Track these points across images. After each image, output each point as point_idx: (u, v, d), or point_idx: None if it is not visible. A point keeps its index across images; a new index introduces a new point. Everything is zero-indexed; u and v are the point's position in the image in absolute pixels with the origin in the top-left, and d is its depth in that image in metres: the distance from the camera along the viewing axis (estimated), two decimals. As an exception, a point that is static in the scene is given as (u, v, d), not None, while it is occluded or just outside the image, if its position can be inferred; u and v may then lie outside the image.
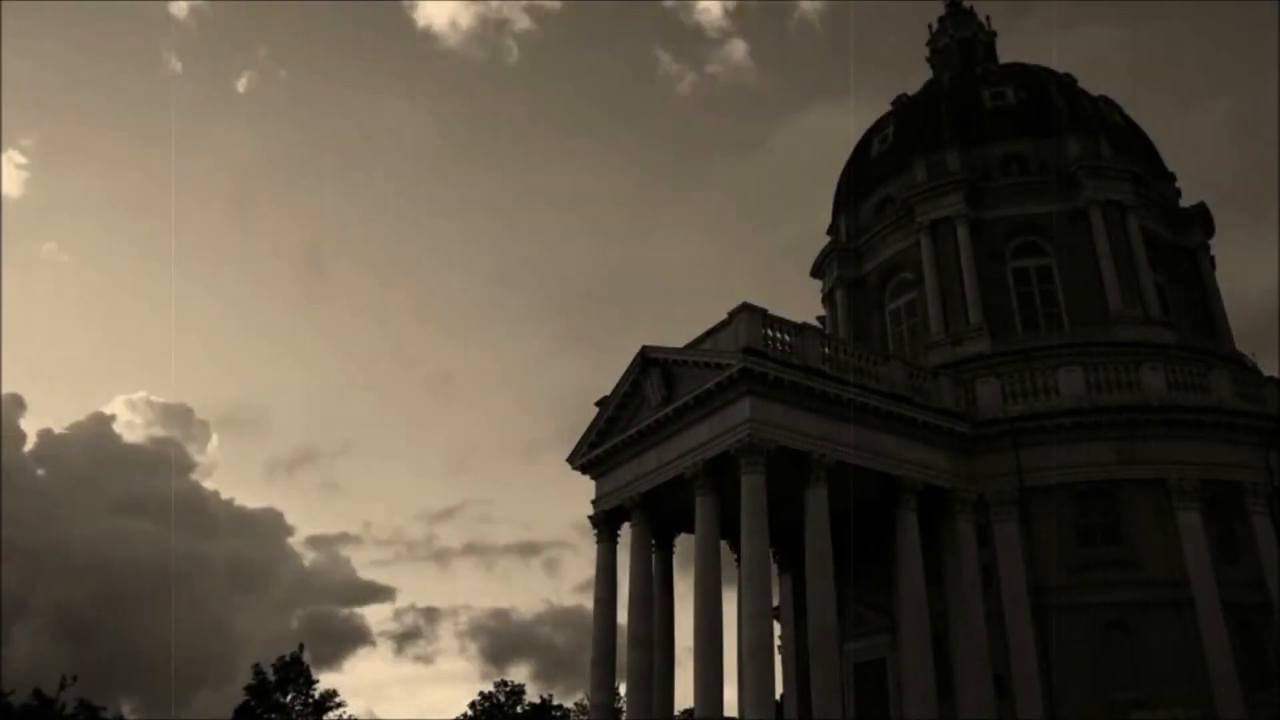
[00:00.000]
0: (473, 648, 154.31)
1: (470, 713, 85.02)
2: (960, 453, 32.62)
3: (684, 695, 53.34)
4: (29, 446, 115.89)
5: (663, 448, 31.76)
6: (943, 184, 41.79)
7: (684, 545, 34.78)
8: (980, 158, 43.01)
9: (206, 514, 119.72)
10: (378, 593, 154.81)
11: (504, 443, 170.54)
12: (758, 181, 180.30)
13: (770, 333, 29.54)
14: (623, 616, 32.92)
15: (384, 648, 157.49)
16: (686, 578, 30.66)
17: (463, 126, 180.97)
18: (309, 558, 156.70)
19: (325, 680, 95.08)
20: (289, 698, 72.30)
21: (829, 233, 49.20)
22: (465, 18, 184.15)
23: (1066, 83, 46.48)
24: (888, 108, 50.28)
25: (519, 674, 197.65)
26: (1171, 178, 46.79)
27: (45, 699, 67.37)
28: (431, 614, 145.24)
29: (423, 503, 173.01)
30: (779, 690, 33.82)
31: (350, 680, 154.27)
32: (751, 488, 27.90)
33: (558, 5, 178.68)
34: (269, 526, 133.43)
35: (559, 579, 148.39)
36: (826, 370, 29.89)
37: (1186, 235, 44.17)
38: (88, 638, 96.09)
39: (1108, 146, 42.66)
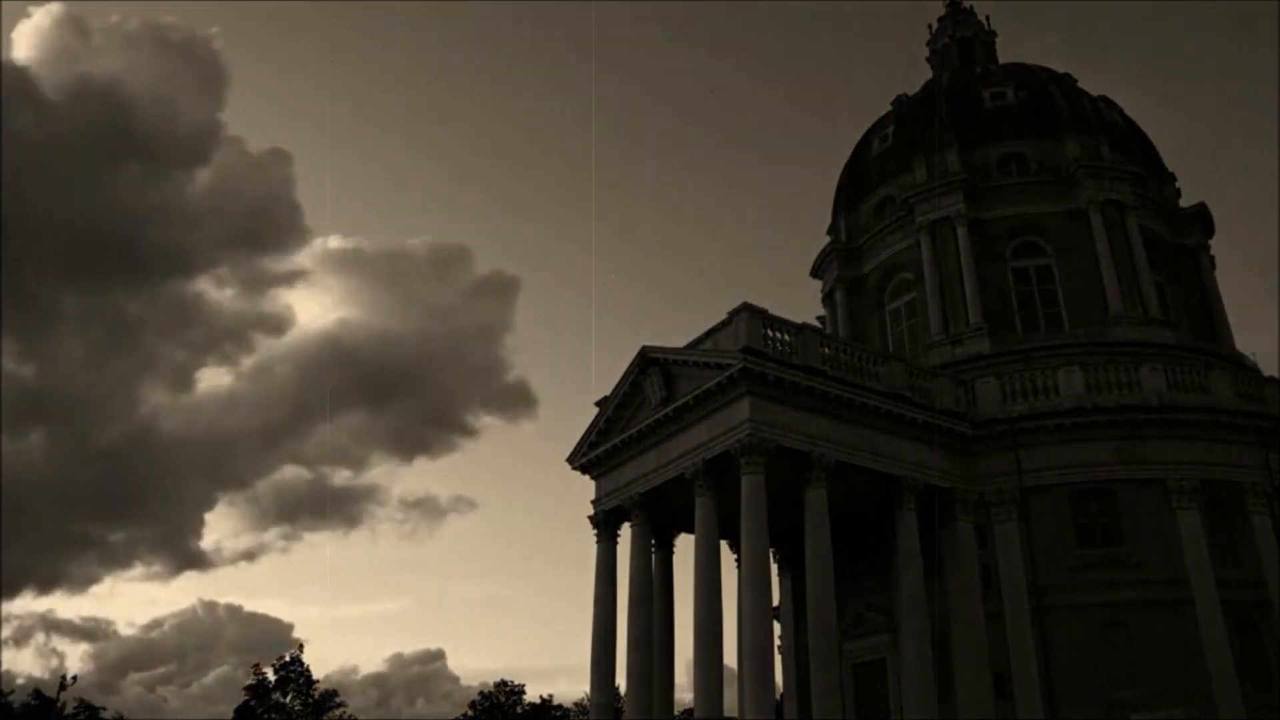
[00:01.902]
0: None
1: (470, 712, 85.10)
2: (960, 453, 32.61)
3: (684, 695, 53.38)
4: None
5: (663, 448, 31.75)
6: (942, 184, 41.76)
7: (684, 545, 34.77)
8: (980, 158, 42.99)
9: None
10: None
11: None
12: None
13: (770, 333, 29.53)
14: (623, 616, 32.92)
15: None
16: (686, 578, 30.62)
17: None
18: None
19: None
20: (289, 698, 72.36)
21: (829, 233, 49.17)
22: None
23: (1066, 83, 46.45)
24: (887, 108, 50.28)
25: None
26: (1171, 178, 46.76)
27: (45, 699, 67.50)
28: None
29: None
30: (779, 690, 33.82)
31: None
32: (751, 488, 27.88)
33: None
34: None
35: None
36: (826, 370, 29.88)
37: (1186, 235, 44.16)
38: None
39: (1107, 146, 42.64)
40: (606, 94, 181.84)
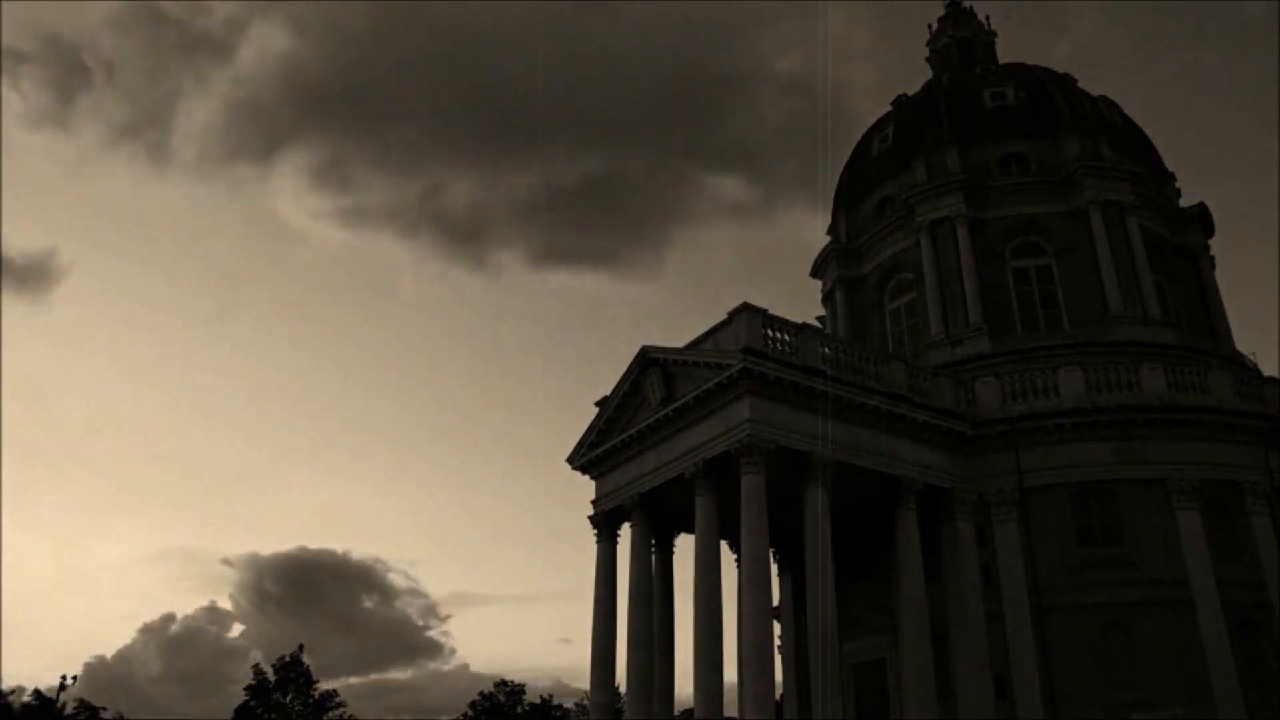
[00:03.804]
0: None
1: (470, 712, 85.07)
2: (960, 453, 32.59)
3: (684, 695, 53.37)
4: None
5: (662, 448, 31.74)
6: (942, 184, 41.77)
7: (684, 545, 34.76)
8: (980, 158, 42.98)
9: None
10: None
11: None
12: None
13: (770, 333, 29.51)
14: (623, 616, 32.92)
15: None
16: (686, 578, 30.62)
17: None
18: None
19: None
20: (289, 698, 72.27)
21: (829, 233, 49.17)
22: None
23: (1066, 83, 46.44)
24: (887, 108, 50.27)
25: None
26: (1171, 178, 46.76)
27: (45, 699, 67.41)
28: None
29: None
30: (779, 690, 33.80)
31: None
32: (751, 488, 27.86)
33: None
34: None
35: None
36: (826, 370, 29.86)
37: (1186, 235, 44.16)
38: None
39: (1108, 146, 42.64)
40: (590, 85, 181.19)
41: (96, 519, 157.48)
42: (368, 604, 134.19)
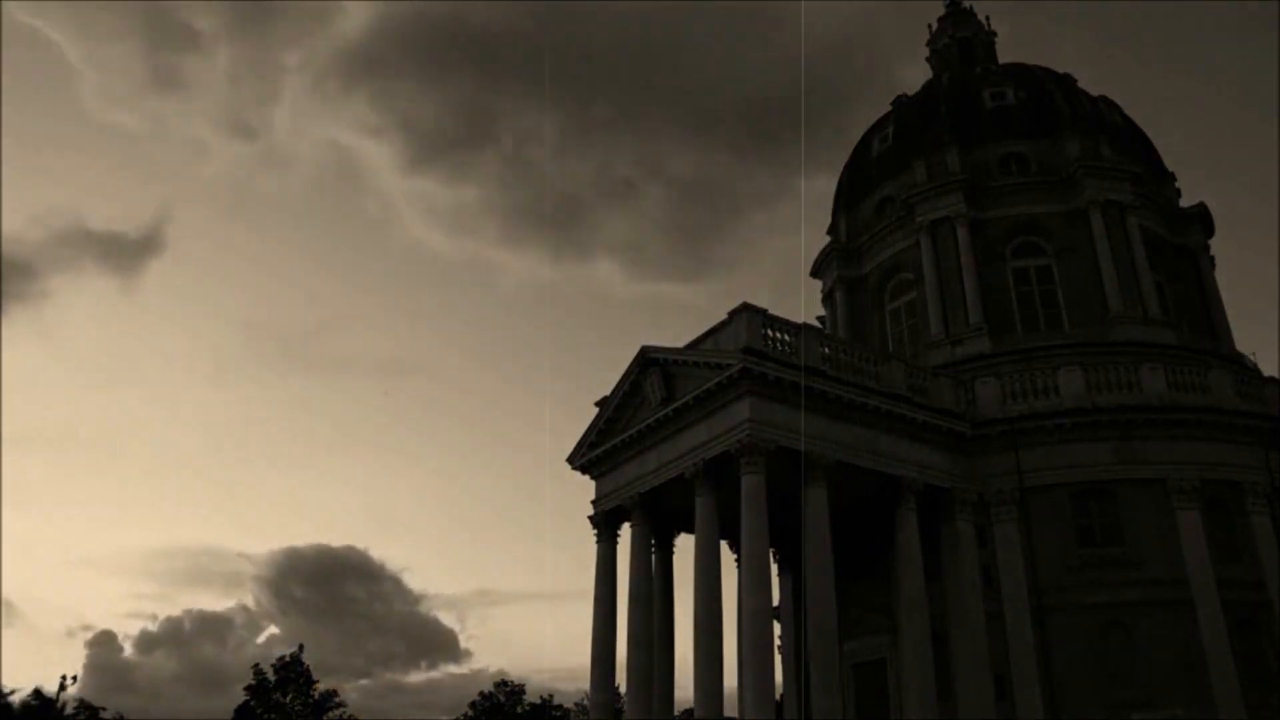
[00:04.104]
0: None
1: (470, 712, 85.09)
2: (960, 453, 32.59)
3: (684, 695, 53.38)
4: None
5: (663, 448, 31.74)
6: (942, 184, 41.76)
7: (684, 545, 34.78)
8: (980, 158, 42.98)
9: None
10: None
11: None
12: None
13: (770, 333, 29.52)
14: (623, 616, 32.92)
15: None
16: (686, 578, 30.64)
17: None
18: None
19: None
20: (288, 698, 72.23)
21: (829, 233, 49.18)
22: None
23: (1066, 83, 46.44)
24: (887, 108, 50.27)
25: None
26: (1171, 178, 46.76)
27: (45, 699, 67.30)
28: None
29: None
30: (779, 690, 33.81)
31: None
32: (751, 488, 27.87)
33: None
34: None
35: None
36: (826, 370, 29.87)
37: (1186, 235, 44.15)
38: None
39: (1108, 146, 42.63)
40: (594, 83, 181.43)
41: (107, 513, 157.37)
42: (384, 602, 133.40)
